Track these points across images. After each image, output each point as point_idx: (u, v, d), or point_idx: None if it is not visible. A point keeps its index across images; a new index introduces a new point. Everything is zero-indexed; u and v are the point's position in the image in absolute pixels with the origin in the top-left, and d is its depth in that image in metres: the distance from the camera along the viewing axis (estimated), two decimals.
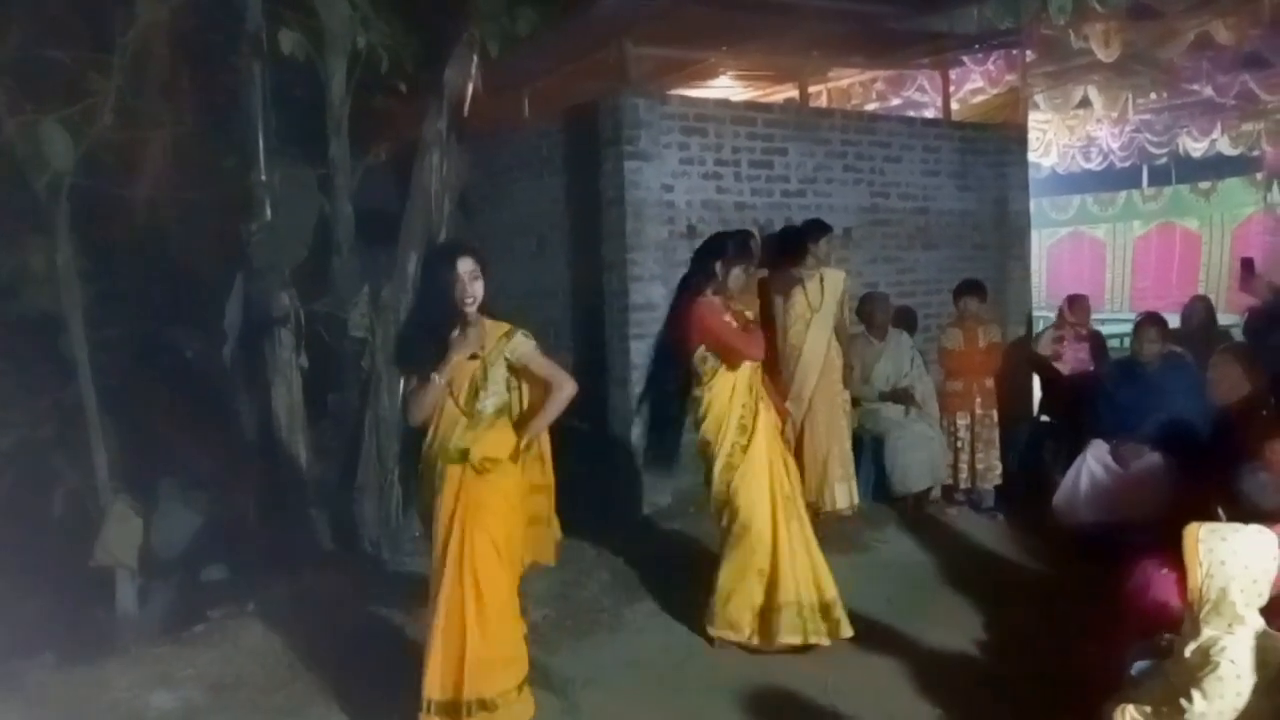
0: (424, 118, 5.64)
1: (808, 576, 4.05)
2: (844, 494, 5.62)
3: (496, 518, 3.18)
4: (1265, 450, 3.49)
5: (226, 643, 4.15)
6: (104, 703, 3.71)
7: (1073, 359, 6.39)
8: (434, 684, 3.18)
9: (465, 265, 3.15)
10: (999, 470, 6.03)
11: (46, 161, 4.57)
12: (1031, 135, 8.12)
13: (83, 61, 4.75)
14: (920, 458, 5.83)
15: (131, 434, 5.37)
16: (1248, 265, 7.57)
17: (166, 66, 5.08)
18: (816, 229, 5.71)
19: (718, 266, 4.11)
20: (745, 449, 4.04)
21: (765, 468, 4.08)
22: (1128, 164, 12.56)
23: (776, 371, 5.81)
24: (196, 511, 5.82)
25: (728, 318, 4.10)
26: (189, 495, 5.88)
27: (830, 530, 5.54)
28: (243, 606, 4.55)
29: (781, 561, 4.01)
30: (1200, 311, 6.52)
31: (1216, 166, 13.42)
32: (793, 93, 7.78)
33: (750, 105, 6.74)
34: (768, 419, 4.16)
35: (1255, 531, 2.51)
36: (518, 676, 3.24)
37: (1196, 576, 2.45)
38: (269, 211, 5.25)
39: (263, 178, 5.24)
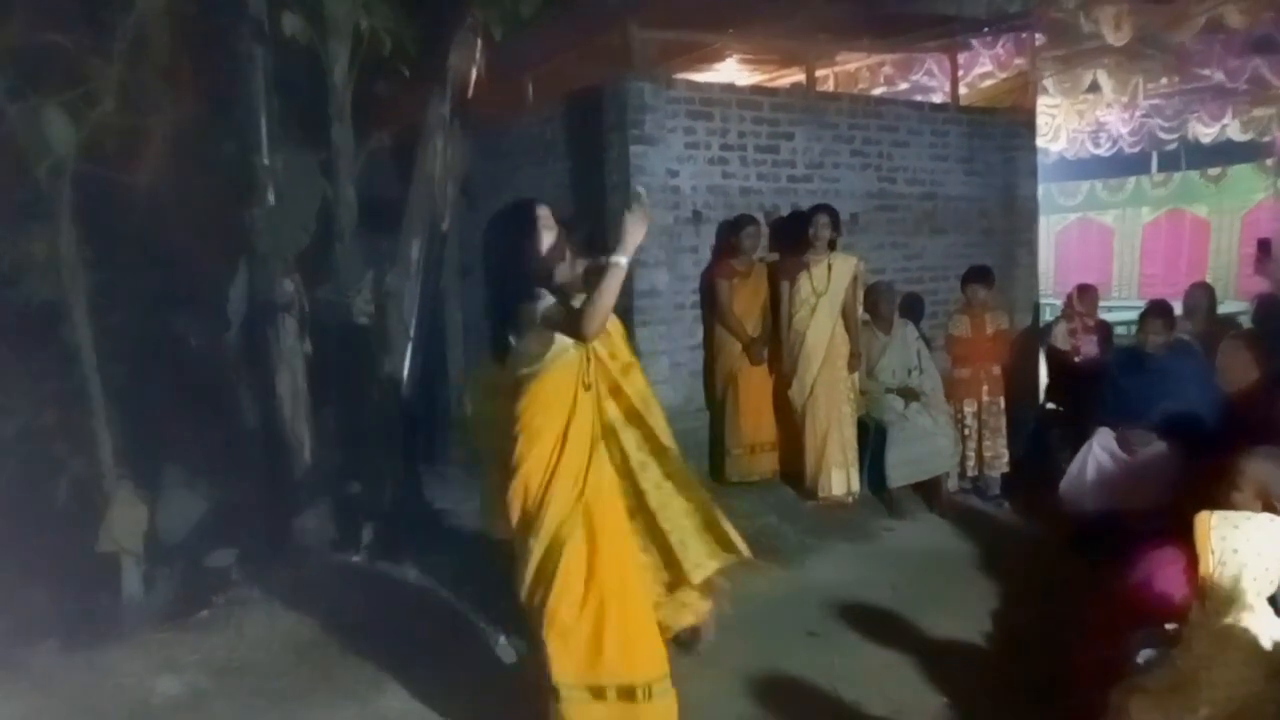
0: (427, 102, 5.60)
1: None
2: (840, 481, 5.63)
3: None
4: None
5: (231, 628, 4.16)
6: (109, 688, 3.71)
7: (1084, 350, 6.38)
8: None
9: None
10: (1006, 458, 6.02)
11: (48, 147, 4.54)
12: (1040, 120, 8.04)
13: (83, 46, 4.72)
14: (917, 452, 5.81)
15: (135, 420, 5.37)
16: (1264, 247, 7.47)
17: (167, 51, 5.04)
18: (815, 212, 5.72)
19: None
20: None
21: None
22: (1137, 149, 12.47)
23: (779, 355, 5.82)
24: (201, 497, 5.83)
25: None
26: (193, 481, 5.89)
27: (832, 517, 5.56)
28: (247, 592, 4.55)
29: None
30: (1202, 299, 6.48)
31: (1226, 152, 13.33)
32: (799, 77, 7.72)
33: (756, 89, 6.70)
34: None
35: (1267, 519, 2.49)
36: None
37: (1208, 563, 2.43)
38: (271, 197, 5.22)
39: (265, 163, 5.21)
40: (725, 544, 3.52)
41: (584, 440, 3.09)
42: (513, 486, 3.07)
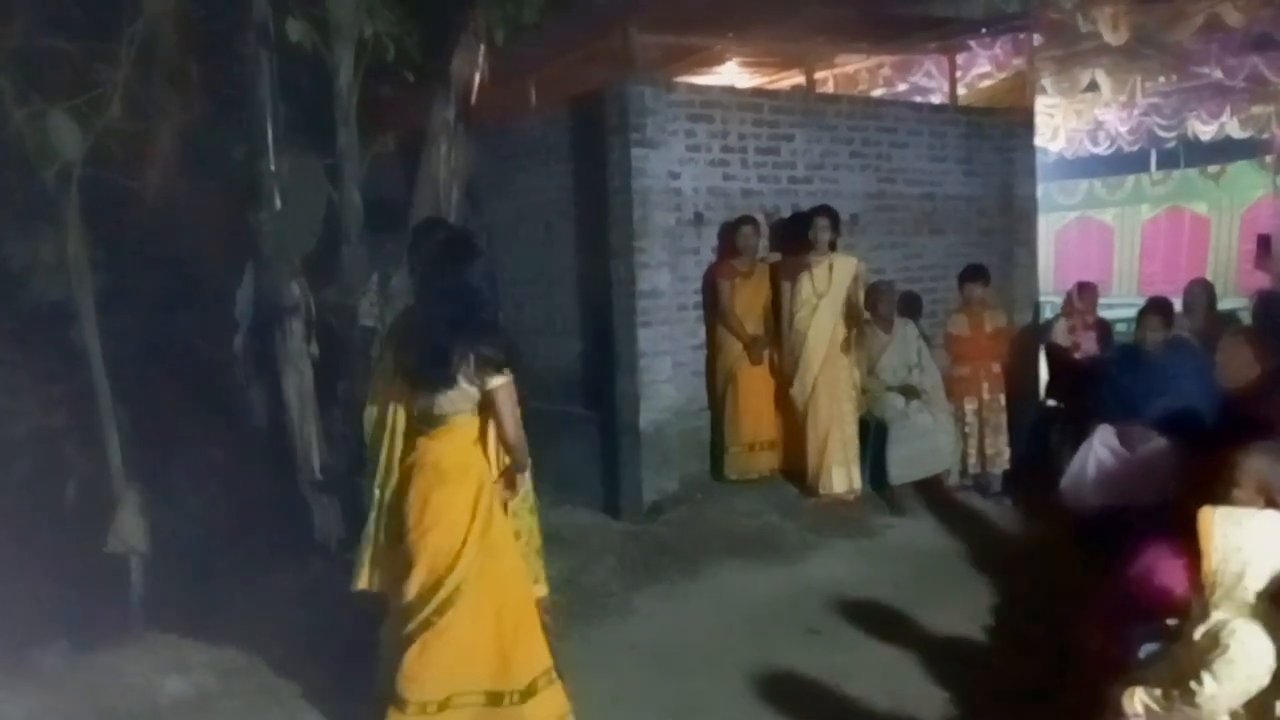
0: (431, 106, 5.65)
1: None
2: (842, 478, 5.67)
3: None
4: None
5: (239, 629, 4.18)
6: (118, 689, 3.74)
7: (1084, 346, 6.41)
8: None
9: None
10: (1007, 455, 6.05)
11: (55, 152, 4.56)
12: (1039, 120, 8.06)
13: (90, 52, 4.75)
14: (918, 449, 5.84)
15: (143, 422, 5.39)
16: (1264, 242, 7.46)
17: (174, 56, 5.08)
18: (815, 214, 5.76)
19: None
20: None
21: None
22: (1136, 148, 12.51)
23: (780, 354, 5.87)
24: (208, 499, 5.85)
25: None
26: (201, 483, 5.91)
27: (833, 514, 5.60)
28: (255, 593, 4.58)
29: None
30: (1202, 295, 6.51)
31: (1225, 150, 13.37)
32: (799, 79, 7.76)
33: (756, 92, 6.73)
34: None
35: (1272, 517, 2.51)
36: None
37: (1210, 560, 2.45)
38: (278, 201, 5.26)
39: (271, 167, 5.24)
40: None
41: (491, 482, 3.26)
42: (431, 540, 3.18)
